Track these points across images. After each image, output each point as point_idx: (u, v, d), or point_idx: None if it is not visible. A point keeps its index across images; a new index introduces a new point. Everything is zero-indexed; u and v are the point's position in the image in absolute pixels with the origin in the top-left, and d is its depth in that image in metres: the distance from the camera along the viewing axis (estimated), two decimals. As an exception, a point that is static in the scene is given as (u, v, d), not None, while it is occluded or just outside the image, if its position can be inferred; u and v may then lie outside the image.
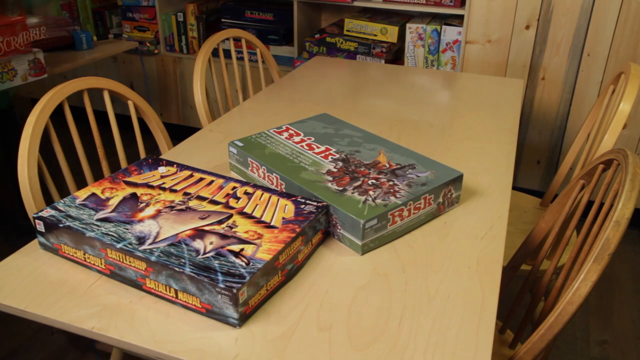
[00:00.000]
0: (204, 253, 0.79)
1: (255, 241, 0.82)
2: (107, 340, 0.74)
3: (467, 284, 0.85)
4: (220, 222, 0.87)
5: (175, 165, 1.05)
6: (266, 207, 0.91)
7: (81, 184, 2.57)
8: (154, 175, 1.01)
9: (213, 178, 1.00)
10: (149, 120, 1.44)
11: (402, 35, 2.43)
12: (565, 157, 1.81)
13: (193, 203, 0.92)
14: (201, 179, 1.00)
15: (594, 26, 2.16)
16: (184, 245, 0.81)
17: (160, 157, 1.12)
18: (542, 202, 1.69)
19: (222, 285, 0.73)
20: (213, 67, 1.76)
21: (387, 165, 1.05)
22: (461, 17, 2.36)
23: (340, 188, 0.97)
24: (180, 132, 3.12)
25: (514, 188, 2.54)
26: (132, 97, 1.39)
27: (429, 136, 1.38)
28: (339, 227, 0.92)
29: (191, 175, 1.01)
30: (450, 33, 2.31)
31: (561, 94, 2.31)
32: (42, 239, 0.89)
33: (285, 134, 1.18)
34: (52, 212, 0.89)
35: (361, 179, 1.00)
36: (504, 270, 1.23)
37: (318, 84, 1.74)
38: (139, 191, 0.96)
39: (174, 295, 0.78)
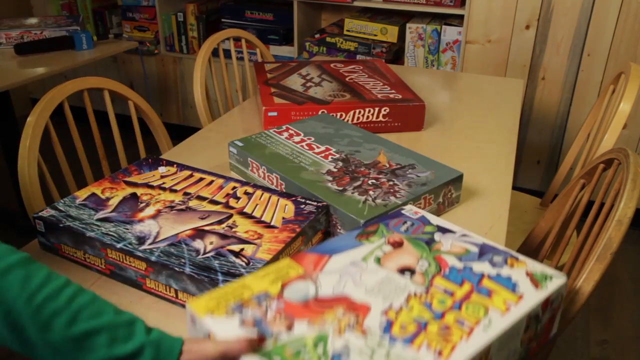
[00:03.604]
0: (204, 253, 0.79)
1: (255, 241, 0.82)
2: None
3: (468, 284, 0.84)
4: (220, 222, 0.87)
5: (175, 165, 1.05)
6: (266, 207, 0.91)
7: (81, 184, 2.56)
8: (154, 175, 1.01)
9: (213, 178, 1.00)
10: (149, 120, 1.44)
11: (402, 35, 2.43)
12: (565, 157, 1.81)
13: (193, 203, 0.92)
14: (201, 179, 1.00)
15: (594, 26, 2.16)
16: (184, 245, 0.81)
17: (160, 157, 1.12)
18: (542, 202, 1.69)
19: (222, 285, 0.72)
20: (213, 67, 1.76)
21: (387, 165, 1.05)
22: (461, 17, 2.36)
23: (340, 188, 0.96)
24: (180, 132, 3.12)
25: (514, 188, 2.54)
26: (132, 97, 1.39)
27: (429, 136, 1.38)
28: (339, 227, 0.92)
29: (191, 175, 1.01)
30: (450, 33, 2.31)
31: (561, 94, 2.31)
32: (42, 239, 0.89)
33: (285, 134, 1.17)
34: (52, 212, 0.89)
35: (361, 178, 1.00)
36: (504, 270, 1.22)
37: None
38: (139, 191, 0.96)
39: (174, 295, 0.78)
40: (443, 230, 0.80)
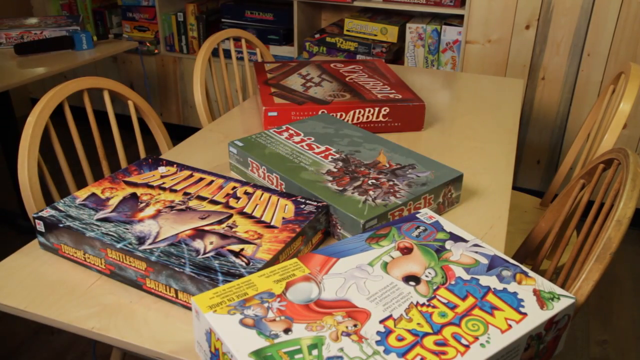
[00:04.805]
0: (204, 253, 0.79)
1: (255, 241, 0.82)
2: (107, 341, 0.74)
3: (468, 284, 0.84)
4: (220, 222, 0.87)
5: (175, 165, 1.05)
6: (266, 207, 0.91)
7: (81, 184, 2.56)
8: (154, 175, 1.01)
9: (213, 178, 1.00)
10: (149, 120, 1.44)
11: (402, 35, 2.43)
12: (565, 157, 1.81)
13: (193, 203, 0.92)
14: (201, 179, 1.00)
15: (594, 26, 2.16)
16: (184, 245, 0.81)
17: (160, 157, 1.12)
18: (542, 202, 1.69)
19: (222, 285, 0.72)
20: (213, 67, 1.76)
21: (387, 165, 1.05)
22: (461, 17, 2.36)
23: (340, 188, 0.97)
24: (180, 132, 3.12)
25: (514, 188, 2.54)
26: (132, 97, 1.39)
27: (429, 136, 1.38)
28: (339, 227, 0.92)
29: (191, 175, 1.01)
30: (450, 33, 2.31)
31: (561, 94, 2.31)
32: (42, 239, 0.89)
33: (285, 134, 1.17)
34: (52, 212, 0.89)
35: (361, 179, 1.00)
36: (504, 270, 1.22)
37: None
38: (139, 191, 0.96)
39: (174, 295, 0.78)
40: (455, 238, 0.80)
